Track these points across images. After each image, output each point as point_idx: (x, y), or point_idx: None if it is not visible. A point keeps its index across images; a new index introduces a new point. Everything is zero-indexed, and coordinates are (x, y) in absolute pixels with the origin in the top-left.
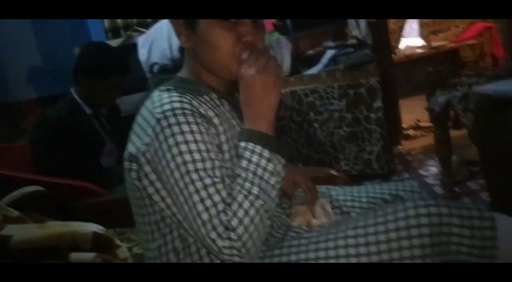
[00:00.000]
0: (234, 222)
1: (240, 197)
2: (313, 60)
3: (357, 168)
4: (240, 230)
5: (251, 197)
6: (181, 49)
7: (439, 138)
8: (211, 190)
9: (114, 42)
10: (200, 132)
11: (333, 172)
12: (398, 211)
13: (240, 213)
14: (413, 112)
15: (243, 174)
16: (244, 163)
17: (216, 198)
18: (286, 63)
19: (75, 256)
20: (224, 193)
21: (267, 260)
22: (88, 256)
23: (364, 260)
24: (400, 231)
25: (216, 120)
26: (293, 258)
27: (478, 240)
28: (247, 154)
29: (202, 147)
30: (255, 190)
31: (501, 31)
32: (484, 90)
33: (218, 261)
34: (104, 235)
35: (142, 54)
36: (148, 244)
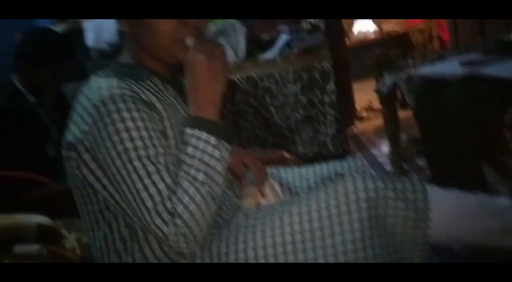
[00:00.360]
0: (180, 208)
1: (185, 184)
2: (268, 44)
3: (313, 150)
4: (185, 216)
5: (196, 184)
6: (121, 34)
7: (387, 118)
8: (155, 177)
9: (59, 27)
10: (142, 119)
11: (285, 154)
12: (338, 187)
13: (186, 199)
14: (366, 94)
15: (189, 161)
16: (190, 150)
17: (161, 185)
18: (241, 47)
19: (20, 248)
20: (168, 180)
21: (216, 242)
22: (33, 248)
23: (308, 235)
24: (341, 206)
25: (159, 106)
26: (241, 238)
27: (412, 211)
28: (193, 141)
29: (144, 133)
30: (201, 177)
31: None
32: (423, 72)
33: (165, 248)
34: (49, 226)
35: (89, 39)
36: (93, 233)
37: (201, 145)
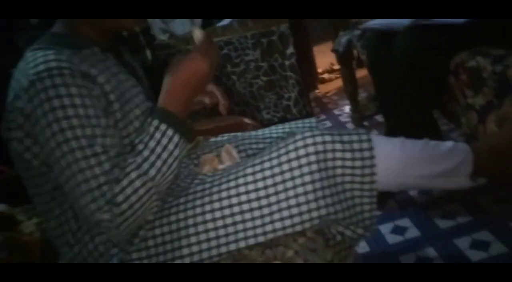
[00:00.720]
0: (120, 198)
1: (133, 175)
2: None
3: (278, 115)
4: (124, 206)
5: (145, 177)
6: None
7: (345, 77)
8: (92, 160)
9: None
10: (80, 95)
11: (245, 120)
12: (289, 143)
13: (129, 190)
14: (327, 56)
15: (146, 153)
16: (151, 143)
17: (97, 169)
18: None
19: None
20: (106, 165)
21: (173, 209)
22: None
23: (262, 193)
24: (292, 162)
25: (101, 79)
26: (198, 202)
27: (358, 160)
28: (157, 135)
29: (81, 112)
30: (152, 172)
31: None
32: (372, 25)
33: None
34: (4, 212)
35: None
36: (46, 215)
37: (164, 140)
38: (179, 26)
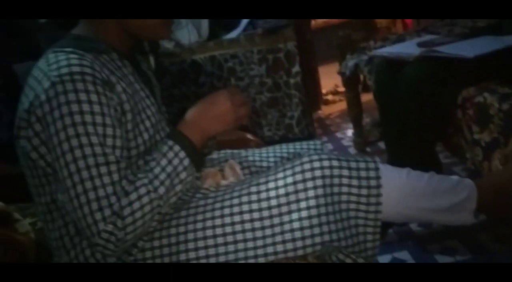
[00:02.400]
0: (126, 211)
1: (143, 190)
2: (232, 24)
3: (279, 133)
4: (128, 220)
5: (153, 195)
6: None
7: (350, 101)
8: (103, 169)
9: None
10: (99, 103)
11: (248, 136)
12: (296, 165)
13: (136, 205)
14: (332, 78)
15: (157, 171)
16: (163, 161)
17: (107, 179)
18: (204, 26)
19: None
20: (116, 176)
21: (174, 222)
22: None
23: (266, 214)
24: (297, 184)
25: (119, 87)
26: (199, 217)
27: (364, 188)
28: (170, 154)
29: (98, 120)
30: (161, 190)
31: None
32: (381, 53)
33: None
34: (1, 209)
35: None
36: (45, 216)
37: (175, 161)
38: (185, 35)
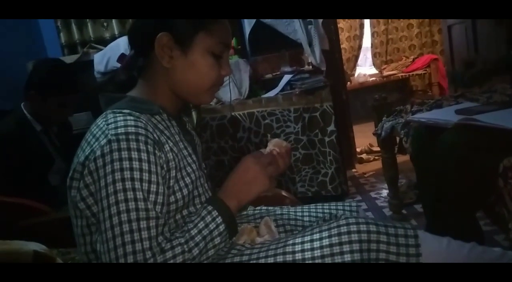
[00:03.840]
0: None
1: (178, 250)
2: (271, 84)
3: (312, 190)
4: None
5: (187, 255)
6: (134, 68)
7: (386, 162)
8: (143, 224)
9: (70, 58)
10: (149, 161)
11: (283, 193)
12: (332, 228)
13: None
14: (367, 137)
15: (193, 232)
16: (201, 224)
17: (145, 233)
18: (245, 85)
19: None
20: (153, 231)
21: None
22: None
23: None
24: (334, 247)
25: (167, 147)
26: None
27: (403, 256)
28: (208, 218)
29: (145, 176)
30: (195, 252)
31: (446, 64)
32: (419, 118)
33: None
34: (45, 254)
35: (98, 70)
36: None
37: (212, 225)
38: (226, 93)
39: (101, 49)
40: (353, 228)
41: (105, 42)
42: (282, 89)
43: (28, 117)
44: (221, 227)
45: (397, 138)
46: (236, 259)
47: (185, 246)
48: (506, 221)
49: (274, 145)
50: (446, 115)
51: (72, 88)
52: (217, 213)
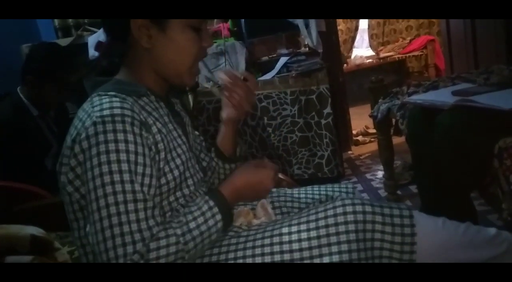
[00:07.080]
0: (152, 255)
1: (173, 240)
2: (267, 66)
3: (309, 172)
4: (151, 261)
5: (181, 246)
6: (113, 55)
7: (382, 143)
8: (130, 206)
9: (64, 41)
10: (135, 143)
11: (280, 175)
12: (328, 209)
13: (163, 251)
14: (363, 119)
15: (192, 225)
16: (200, 219)
17: (133, 216)
18: (241, 68)
19: (11, 260)
20: (142, 214)
21: (206, 259)
22: (25, 259)
23: (296, 255)
24: (329, 227)
25: (154, 128)
26: (231, 255)
27: (398, 236)
28: (208, 214)
29: (132, 158)
30: (190, 245)
31: (442, 45)
32: (415, 100)
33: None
34: (43, 237)
35: (93, 54)
36: (82, 249)
37: (211, 222)
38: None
39: (95, 32)
40: (349, 209)
41: (99, 25)
42: (279, 72)
43: (25, 102)
44: (220, 225)
45: (393, 120)
46: (233, 241)
47: (180, 238)
48: (500, 201)
49: (223, 78)
50: (442, 96)
51: (69, 71)
52: (217, 209)
